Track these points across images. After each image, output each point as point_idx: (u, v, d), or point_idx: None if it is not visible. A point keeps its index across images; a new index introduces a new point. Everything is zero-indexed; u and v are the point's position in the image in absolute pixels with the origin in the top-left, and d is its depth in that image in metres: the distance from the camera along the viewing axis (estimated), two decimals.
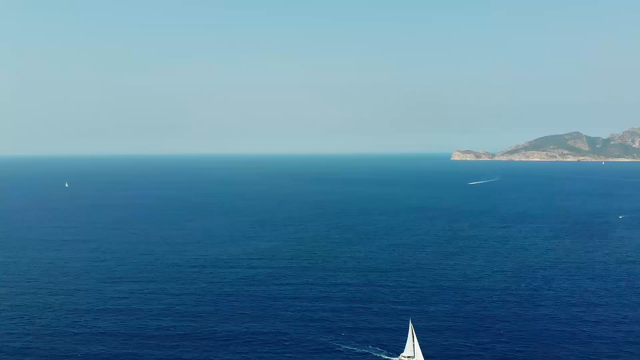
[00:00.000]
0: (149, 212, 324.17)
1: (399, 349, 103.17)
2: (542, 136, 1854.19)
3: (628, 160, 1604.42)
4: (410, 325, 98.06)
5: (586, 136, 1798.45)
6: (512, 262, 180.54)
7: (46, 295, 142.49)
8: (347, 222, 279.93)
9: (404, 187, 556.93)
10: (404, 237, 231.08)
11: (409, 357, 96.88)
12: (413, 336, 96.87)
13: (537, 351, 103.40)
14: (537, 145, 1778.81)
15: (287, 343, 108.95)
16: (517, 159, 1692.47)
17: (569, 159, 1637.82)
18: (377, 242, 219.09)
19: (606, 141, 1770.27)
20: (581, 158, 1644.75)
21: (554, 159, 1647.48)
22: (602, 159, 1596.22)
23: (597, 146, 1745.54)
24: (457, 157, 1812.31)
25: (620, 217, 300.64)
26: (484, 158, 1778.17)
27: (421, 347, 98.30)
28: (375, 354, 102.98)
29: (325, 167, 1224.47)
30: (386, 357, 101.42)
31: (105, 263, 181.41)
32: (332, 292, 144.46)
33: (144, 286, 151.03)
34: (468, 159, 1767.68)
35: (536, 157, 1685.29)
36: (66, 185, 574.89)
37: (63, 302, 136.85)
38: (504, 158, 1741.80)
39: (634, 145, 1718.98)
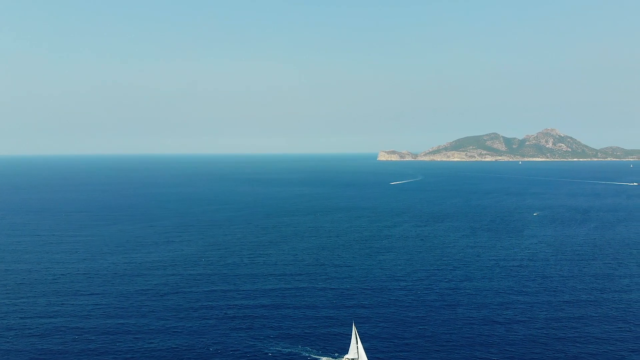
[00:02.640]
0: (63, 217, 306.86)
1: (332, 351, 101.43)
2: (463, 137, 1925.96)
3: (542, 159, 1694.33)
4: (354, 328, 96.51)
5: (503, 137, 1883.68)
6: (431, 261, 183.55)
7: None
8: (273, 223, 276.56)
9: (330, 187, 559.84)
10: (330, 238, 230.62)
11: (352, 359, 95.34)
12: (357, 339, 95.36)
13: (455, 352, 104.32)
14: (458, 145, 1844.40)
15: (212, 349, 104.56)
16: (438, 159, 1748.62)
17: (487, 159, 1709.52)
18: (304, 243, 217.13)
19: (522, 142, 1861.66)
20: (498, 158, 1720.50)
21: (473, 159, 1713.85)
22: (519, 159, 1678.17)
23: (514, 146, 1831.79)
24: (382, 157, 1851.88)
25: (534, 214, 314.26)
26: (408, 158, 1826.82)
27: (346, 352, 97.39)
28: (314, 356, 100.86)
29: (256, 167, 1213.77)
30: (326, 358, 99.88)
31: (10, 275, 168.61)
32: (259, 296, 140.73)
33: (53, 299, 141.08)
34: (393, 159, 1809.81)
35: (456, 157, 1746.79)
36: None
37: None
38: (426, 158, 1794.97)
39: (547, 146, 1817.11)
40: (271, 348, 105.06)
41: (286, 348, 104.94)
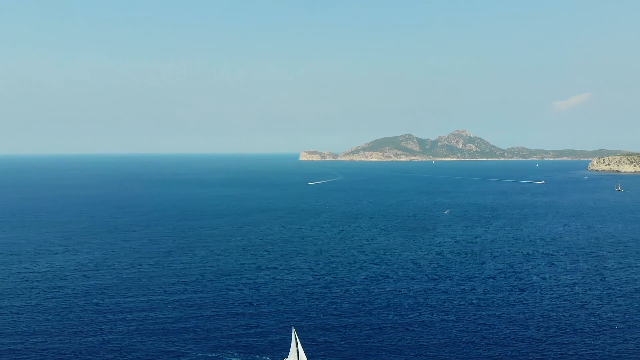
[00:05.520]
0: None
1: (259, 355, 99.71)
2: (380, 137, 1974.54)
3: (453, 159, 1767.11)
4: (294, 331, 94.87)
5: (417, 138, 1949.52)
6: (348, 259, 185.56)
7: None
8: (189, 225, 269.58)
9: (249, 187, 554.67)
10: (249, 240, 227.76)
11: None
12: (297, 342, 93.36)
13: (374, 356, 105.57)
14: (375, 146, 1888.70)
15: (132, 357, 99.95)
16: (357, 159, 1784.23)
17: (402, 159, 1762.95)
18: (222, 245, 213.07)
19: (434, 142, 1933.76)
20: (413, 158, 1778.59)
21: (389, 159, 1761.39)
22: (432, 159, 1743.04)
23: (427, 147, 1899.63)
24: (304, 157, 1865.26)
25: (445, 212, 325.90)
26: (329, 158, 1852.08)
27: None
28: None
29: (176, 168, 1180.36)
30: None
31: None
32: (176, 305, 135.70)
33: None
34: (314, 159, 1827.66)
35: (374, 157, 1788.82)
36: None
37: None
38: (346, 158, 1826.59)
39: (458, 146, 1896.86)
40: (195, 355, 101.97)
41: (207, 352, 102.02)
